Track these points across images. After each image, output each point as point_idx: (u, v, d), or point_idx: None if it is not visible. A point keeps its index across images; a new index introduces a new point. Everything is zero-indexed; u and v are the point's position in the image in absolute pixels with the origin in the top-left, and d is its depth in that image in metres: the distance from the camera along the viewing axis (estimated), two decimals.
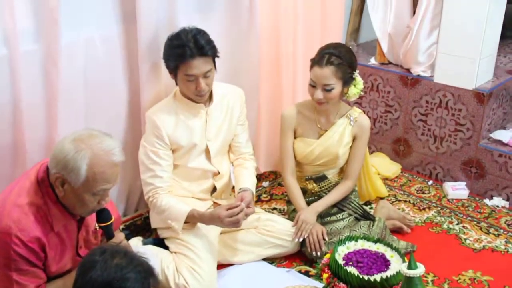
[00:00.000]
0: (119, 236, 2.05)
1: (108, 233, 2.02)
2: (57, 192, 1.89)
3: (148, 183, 2.58)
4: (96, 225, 2.05)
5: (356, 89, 2.79)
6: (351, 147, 2.89)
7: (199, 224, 2.62)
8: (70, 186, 1.86)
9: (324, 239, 2.74)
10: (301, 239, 2.70)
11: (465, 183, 3.49)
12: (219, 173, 2.76)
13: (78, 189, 1.87)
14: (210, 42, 2.48)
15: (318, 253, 2.71)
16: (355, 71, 2.76)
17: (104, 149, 1.87)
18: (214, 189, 2.80)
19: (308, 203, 2.90)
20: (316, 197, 2.93)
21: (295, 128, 2.91)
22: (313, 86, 2.71)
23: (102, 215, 2.01)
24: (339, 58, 2.67)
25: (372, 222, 2.86)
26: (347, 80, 2.73)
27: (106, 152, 1.87)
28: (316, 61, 2.70)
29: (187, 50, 2.41)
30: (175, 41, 2.45)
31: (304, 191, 2.95)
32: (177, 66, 2.45)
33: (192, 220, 2.57)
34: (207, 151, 2.70)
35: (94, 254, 1.50)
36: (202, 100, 2.59)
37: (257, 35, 3.04)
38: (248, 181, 2.76)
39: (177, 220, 2.54)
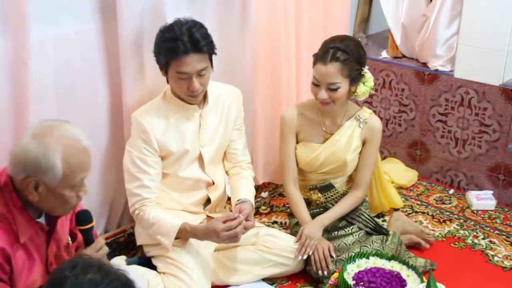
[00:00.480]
0: (99, 241, 2.04)
1: (88, 237, 2.02)
2: (31, 198, 1.89)
3: (135, 194, 2.58)
4: (69, 241, 2.05)
5: (365, 87, 2.78)
6: (360, 152, 2.89)
7: (192, 240, 2.62)
8: (46, 187, 1.87)
9: (331, 256, 2.73)
10: (305, 257, 2.69)
11: (491, 192, 3.48)
12: (213, 183, 2.76)
13: (56, 187, 1.87)
14: (206, 37, 2.47)
15: (325, 272, 2.70)
16: (364, 67, 2.75)
17: (71, 137, 1.89)
18: (208, 201, 2.80)
19: (313, 216, 2.89)
20: (321, 209, 2.92)
21: (296, 131, 2.91)
22: (316, 85, 2.71)
23: (82, 217, 2.01)
24: (345, 53, 2.66)
25: (385, 237, 2.86)
26: (355, 78, 2.72)
27: (74, 139, 1.89)
28: (319, 57, 2.70)
29: (179, 44, 2.40)
30: (167, 34, 2.44)
31: (308, 202, 2.95)
32: (168, 62, 2.45)
33: (184, 235, 2.57)
34: (200, 159, 2.70)
35: (64, 269, 1.47)
36: (195, 101, 2.59)
37: (252, 29, 3.04)
38: (246, 192, 2.76)
39: (167, 235, 2.53)
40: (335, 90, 2.68)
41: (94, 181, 2.83)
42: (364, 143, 2.87)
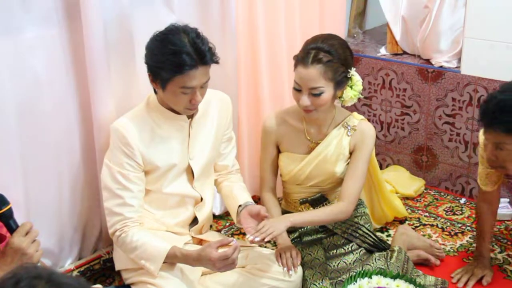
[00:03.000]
0: (25, 224, 1.92)
1: (8, 223, 1.93)
2: None
3: (115, 213, 2.54)
4: None
5: (353, 91, 2.76)
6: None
7: (178, 264, 2.58)
8: None
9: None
10: (256, 239, 2.54)
11: (508, 200, 3.47)
12: (201, 200, 2.74)
13: None
14: (210, 48, 2.47)
15: (290, 272, 2.68)
16: (350, 69, 2.72)
17: None
18: (194, 221, 2.78)
19: (307, 233, 2.88)
20: (316, 226, 2.89)
21: (277, 141, 2.91)
22: (298, 90, 2.69)
23: None
24: (329, 54, 2.63)
25: (390, 254, 2.84)
26: (340, 81, 2.69)
27: None
28: (300, 59, 2.67)
29: (186, 59, 2.37)
30: (170, 46, 2.40)
31: None
32: (171, 78, 2.42)
33: (172, 260, 2.53)
34: (188, 172, 2.69)
35: (5, 286, 1.39)
36: (191, 113, 2.59)
37: (232, 28, 3.05)
38: (246, 195, 2.78)
39: (153, 261, 2.49)
40: (318, 95, 2.64)
41: (65, 201, 2.82)
42: (353, 151, 2.84)
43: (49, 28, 2.58)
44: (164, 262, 2.51)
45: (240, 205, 2.71)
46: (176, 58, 2.38)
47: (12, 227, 1.92)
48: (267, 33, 3.32)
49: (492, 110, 2.44)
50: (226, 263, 2.44)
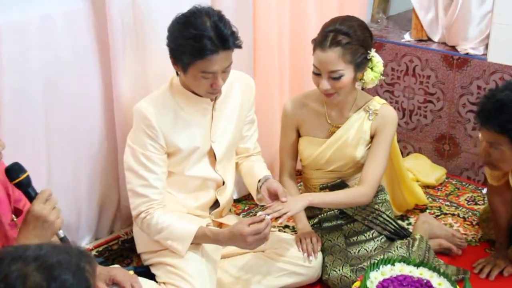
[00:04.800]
0: (43, 191, 1.93)
1: (27, 191, 1.95)
2: None
3: (140, 195, 2.58)
4: (14, 218, 2.03)
5: (374, 73, 2.76)
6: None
7: (200, 246, 2.63)
8: None
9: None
10: (267, 217, 2.52)
11: None
12: (223, 183, 2.78)
13: None
14: (233, 33, 2.46)
15: (311, 258, 2.76)
16: (370, 50, 2.73)
17: None
18: (214, 204, 2.82)
19: (327, 219, 2.92)
20: (336, 211, 2.93)
21: (298, 125, 2.93)
22: (317, 74, 2.70)
23: (12, 171, 1.95)
24: (347, 36, 2.64)
25: (411, 242, 2.86)
26: (360, 63, 2.70)
27: None
28: (318, 43, 2.68)
29: (207, 44, 2.38)
30: (191, 30, 2.40)
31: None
32: (191, 62, 2.44)
33: (202, 240, 2.58)
34: (210, 155, 2.72)
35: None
36: (214, 97, 2.61)
37: (249, 10, 3.06)
38: (263, 170, 2.80)
39: (181, 241, 2.54)
40: (338, 78, 2.65)
41: (83, 181, 2.88)
42: (374, 135, 2.86)
43: (74, 3, 2.63)
44: (191, 244, 2.55)
45: (259, 180, 2.72)
46: (197, 42, 2.37)
47: (31, 195, 1.94)
48: (285, 18, 3.32)
49: (490, 108, 2.45)
50: (258, 238, 2.46)
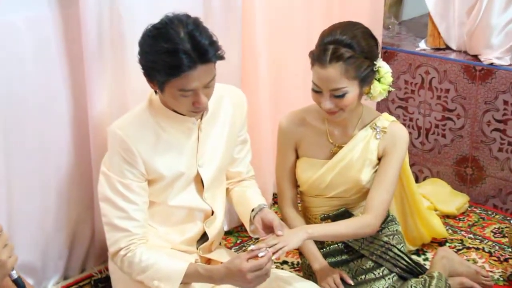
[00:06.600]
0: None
1: None
2: None
3: (119, 229, 2.52)
4: None
5: (382, 84, 2.72)
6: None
7: (187, 285, 2.57)
8: None
9: (348, 284, 2.75)
10: (260, 254, 2.45)
11: None
12: (212, 213, 2.74)
13: None
14: (213, 42, 2.41)
15: None
16: (376, 61, 2.69)
17: None
18: (202, 236, 2.77)
19: (330, 254, 2.88)
20: (340, 244, 2.90)
21: (296, 144, 2.89)
22: (317, 91, 2.67)
23: None
24: (350, 48, 2.59)
25: (428, 280, 2.81)
26: (366, 77, 2.66)
27: None
28: (317, 57, 2.63)
29: (183, 60, 2.32)
30: (163, 43, 2.35)
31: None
32: (167, 80, 2.40)
33: (193, 279, 2.52)
34: (197, 181, 2.68)
35: None
36: (198, 115, 2.57)
37: (237, 15, 3.09)
38: (258, 198, 2.77)
39: (170, 280, 2.47)
40: (342, 96, 2.62)
41: (51, 211, 2.84)
42: (382, 156, 2.83)
43: (39, 9, 2.62)
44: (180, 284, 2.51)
45: (253, 210, 2.69)
46: (171, 58, 2.32)
47: None
48: (279, 23, 3.35)
49: None
50: (259, 274, 2.40)
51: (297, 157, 2.92)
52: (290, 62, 3.53)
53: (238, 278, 2.41)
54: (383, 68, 2.71)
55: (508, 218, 3.63)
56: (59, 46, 2.70)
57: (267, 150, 3.51)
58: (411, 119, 3.90)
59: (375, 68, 2.68)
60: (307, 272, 2.95)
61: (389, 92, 2.78)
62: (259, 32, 3.32)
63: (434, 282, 2.79)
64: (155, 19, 2.41)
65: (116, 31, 2.74)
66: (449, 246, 3.34)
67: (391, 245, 2.89)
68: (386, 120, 2.83)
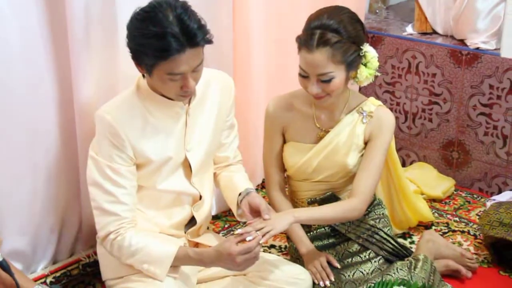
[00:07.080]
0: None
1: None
2: None
3: (108, 212, 2.53)
4: None
5: (368, 69, 2.74)
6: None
7: (176, 268, 2.58)
8: None
9: (334, 267, 2.77)
10: (248, 238, 2.48)
11: None
12: (200, 198, 2.75)
13: None
14: (202, 26, 2.41)
15: (327, 282, 2.72)
16: (362, 45, 2.71)
17: None
18: (190, 221, 2.78)
19: (317, 238, 2.90)
20: (327, 228, 2.91)
21: (283, 128, 2.91)
22: (304, 76, 2.68)
23: None
24: (336, 33, 2.60)
25: (414, 263, 2.83)
26: (353, 61, 2.68)
27: None
28: (303, 42, 2.64)
29: (171, 42, 2.33)
30: (151, 27, 2.35)
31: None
32: (155, 64, 2.40)
33: (183, 262, 2.54)
34: (185, 166, 2.69)
35: None
36: (186, 99, 2.58)
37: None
38: (245, 182, 2.78)
39: (159, 264, 2.50)
40: (328, 81, 2.63)
41: (38, 197, 2.84)
42: (368, 141, 2.85)
43: None
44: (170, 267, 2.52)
45: (240, 194, 2.70)
46: (159, 41, 2.33)
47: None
48: (269, 8, 3.34)
49: None
50: (248, 257, 2.44)
51: (284, 142, 2.93)
52: (283, 46, 3.51)
53: (227, 261, 2.45)
54: (370, 53, 2.72)
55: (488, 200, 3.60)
56: (44, 29, 2.67)
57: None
58: (398, 104, 3.91)
59: (362, 53, 2.70)
60: (294, 256, 2.96)
61: (376, 77, 2.79)
62: (252, 17, 3.32)
63: (419, 264, 2.82)
64: (145, 2, 2.40)
65: (107, 13, 2.71)
66: (435, 229, 3.36)
67: (377, 228, 2.92)
68: (372, 104, 2.85)
